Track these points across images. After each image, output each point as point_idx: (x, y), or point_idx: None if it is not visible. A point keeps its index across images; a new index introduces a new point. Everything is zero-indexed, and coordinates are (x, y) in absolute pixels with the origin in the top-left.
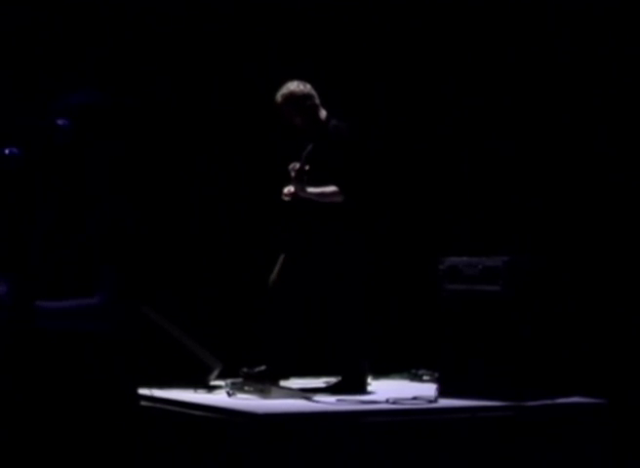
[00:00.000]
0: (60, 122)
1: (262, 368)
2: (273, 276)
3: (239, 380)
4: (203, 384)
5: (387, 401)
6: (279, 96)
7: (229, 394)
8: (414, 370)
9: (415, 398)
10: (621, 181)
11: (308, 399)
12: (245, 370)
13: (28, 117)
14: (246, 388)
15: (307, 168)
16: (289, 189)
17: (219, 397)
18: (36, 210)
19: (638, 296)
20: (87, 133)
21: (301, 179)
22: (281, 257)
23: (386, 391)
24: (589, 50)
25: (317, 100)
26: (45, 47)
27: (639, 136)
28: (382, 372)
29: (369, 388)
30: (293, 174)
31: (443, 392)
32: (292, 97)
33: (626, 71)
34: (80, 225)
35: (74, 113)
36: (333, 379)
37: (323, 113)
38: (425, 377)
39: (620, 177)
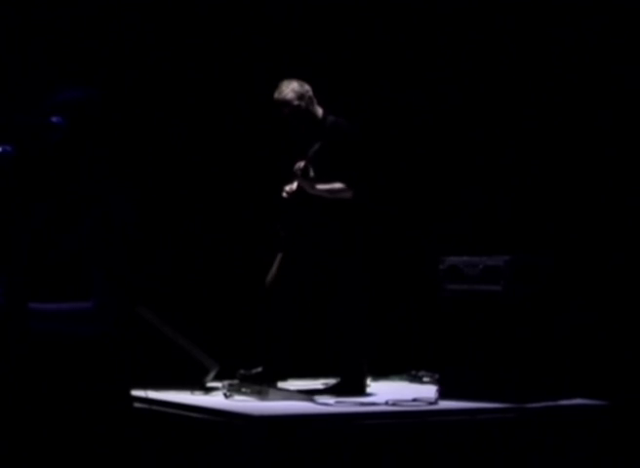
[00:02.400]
0: (54, 119)
1: (259, 369)
2: (270, 275)
3: (236, 382)
4: (200, 386)
5: (387, 402)
6: (278, 94)
7: (226, 396)
8: (413, 372)
9: (415, 400)
10: (624, 181)
11: (306, 400)
12: (242, 371)
13: (22, 115)
14: (243, 390)
15: (311, 170)
16: (291, 187)
17: (215, 399)
18: (30, 209)
19: None
20: (81, 130)
21: (308, 177)
22: (278, 257)
23: (386, 393)
24: (588, 44)
25: (314, 98)
26: (36, 44)
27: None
28: (382, 374)
29: (368, 390)
30: (299, 173)
31: (443, 394)
32: (291, 95)
33: (627, 69)
34: (75, 225)
35: (68, 110)
36: (331, 381)
37: (320, 110)
38: (425, 379)
39: (623, 177)
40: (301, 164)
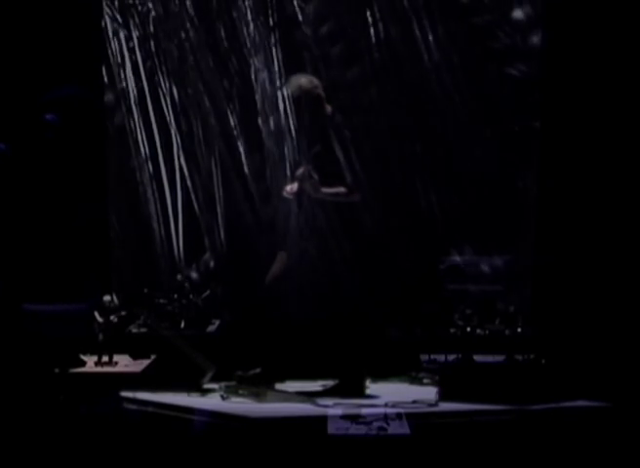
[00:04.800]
0: (48, 117)
1: (257, 370)
2: (271, 275)
3: (233, 383)
4: (196, 387)
5: (386, 404)
6: (309, 83)
7: (223, 397)
8: (413, 373)
9: (415, 401)
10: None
11: (305, 402)
12: (239, 372)
13: (16, 113)
14: (240, 391)
15: (315, 173)
16: (292, 187)
17: (212, 400)
18: (24, 210)
19: None
20: (75, 127)
21: (311, 180)
22: (279, 256)
23: (385, 394)
24: None
25: (324, 94)
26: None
27: None
28: (381, 375)
29: (367, 391)
30: (301, 177)
31: (444, 395)
32: (305, 91)
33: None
34: (69, 225)
35: (62, 108)
36: (330, 382)
37: (328, 107)
38: (425, 380)
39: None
40: (303, 168)
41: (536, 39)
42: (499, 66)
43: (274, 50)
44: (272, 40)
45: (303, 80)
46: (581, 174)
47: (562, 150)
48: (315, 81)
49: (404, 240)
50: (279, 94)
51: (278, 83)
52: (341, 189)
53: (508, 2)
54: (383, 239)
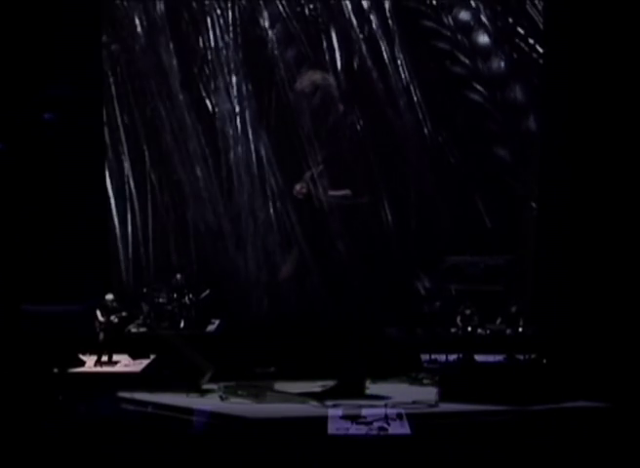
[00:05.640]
0: (47, 116)
1: (272, 369)
2: (284, 272)
3: (232, 384)
4: (195, 388)
5: (386, 404)
6: (323, 80)
7: (222, 398)
8: (414, 374)
9: (415, 402)
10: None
11: (304, 403)
12: (258, 369)
13: (13, 112)
14: (240, 392)
15: (324, 175)
16: (302, 186)
17: (211, 401)
18: (22, 210)
19: None
20: (72, 126)
21: (319, 183)
22: (292, 253)
23: (386, 394)
24: None
25: (337, 93)
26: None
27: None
28: (381, 376)
29: (367, 392)
30: (309, 180)
31: (444, 396)
32: (318, 87)
33: None
34: (66, 225)
35: (59, 106)
36: (330, 383)
37: (341, 106)
38: (426, 381)
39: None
40: (310, 172)
41: (497, 65)
42: (459, 90)
43: (240, 71)
44: (239, 60)
45: (318, 76)
46: (581, 175)
47: (561, 152)
48: (330, 79)
49: (403, 241)
50: (247, 115)
51: (245, 104)
52: (348, 192)
53: (469, 27)
54: (383, 241)
